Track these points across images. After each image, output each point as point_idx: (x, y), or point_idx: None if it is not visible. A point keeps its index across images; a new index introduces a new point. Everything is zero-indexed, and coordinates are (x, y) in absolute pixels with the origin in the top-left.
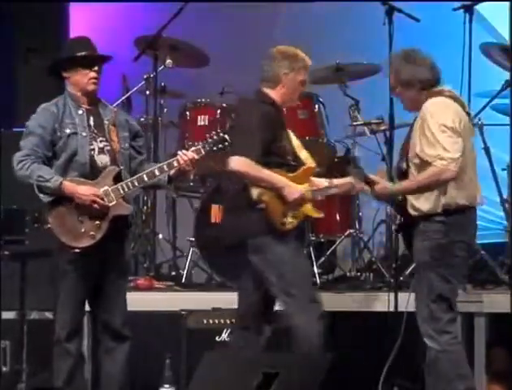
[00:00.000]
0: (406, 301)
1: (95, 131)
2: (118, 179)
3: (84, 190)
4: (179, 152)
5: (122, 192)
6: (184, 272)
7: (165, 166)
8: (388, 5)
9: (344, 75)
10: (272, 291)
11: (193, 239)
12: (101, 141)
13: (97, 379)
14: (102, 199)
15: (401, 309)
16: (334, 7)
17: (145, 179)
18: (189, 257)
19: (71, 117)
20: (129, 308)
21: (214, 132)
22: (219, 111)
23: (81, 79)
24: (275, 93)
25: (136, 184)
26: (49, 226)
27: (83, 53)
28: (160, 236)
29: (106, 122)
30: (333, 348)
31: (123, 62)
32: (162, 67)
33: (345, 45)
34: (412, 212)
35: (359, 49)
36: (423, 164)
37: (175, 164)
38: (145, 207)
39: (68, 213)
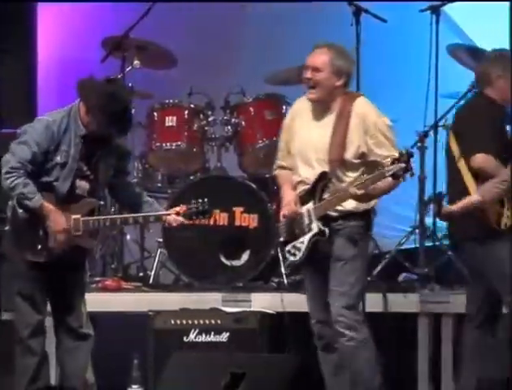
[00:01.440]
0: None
1: (85, 160)
2: (93, 211)
3: (58, 222)
4: (171, 217)
5: (91, 226)
6: (151, 273)
7: (146, 218)
8: (355, 6)
9: None
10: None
11: (161, 240)
12: (87, 169)
13: (63, 380)
14: (69, 231)
15: (368, 309)
16: (300, 7)
17: (118, 223)
18: (157, 258)
19: (68, 145)
20: (97, 308)
21: (200, 201)
22: (186, 112)
23: (94, 128)
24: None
25: (108, 224)
26: (9, 229)
27: (117, 123)
28: (128, 236)
29: (96, 157)
30: (306, 348)
31: (92, 63)
32: (130, 67)
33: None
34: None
35: None
36: (365, 164)
37: (162, 221)
38: (113, 208)
39: (33, 225)
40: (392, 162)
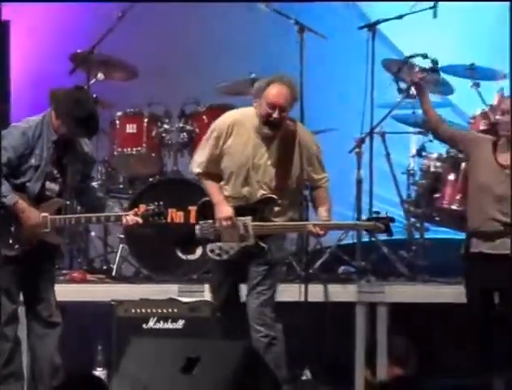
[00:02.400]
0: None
1: (55, 164)
2: (60, 210)
3: (30, 217)
4: (127, 217)
5: (58, 223)
6: (114, 266)
7: (107, 218)
8: (299, 24)
9: None
10: None
11: (123, 236)
12: (57, 172)
13: (33, 363)
14: (39, 226)
15: (310, 299)
16: (252, 22)
17: (82, 221)
18: (119, 253)
19: (41, 149)
20: (65, 298)
21: (156, 204)
22: (146, 120)
23: (64, 131)
24: None
25: (73, 222)
26: None
27: (84, 126)
28: (93, 233)
29: (66, 160)
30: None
31: (60, 75)
32: (94, 80)
33: (261, 60)
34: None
35: (273, 64)
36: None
37: (120, 222)
38: (78, 208)
39: (6, 222)
40: (369, 219)
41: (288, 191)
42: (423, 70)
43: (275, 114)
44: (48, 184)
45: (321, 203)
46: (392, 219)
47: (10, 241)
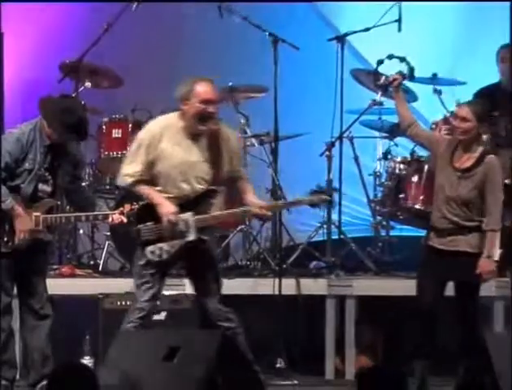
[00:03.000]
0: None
1: (47, 167)
2: (52, 209)
3: (23, 223)
4: (113, 216)
5: (49, 222)
6: (101, 261)
7: (95, 216)
8: (273, 36)
9: (238, 95)
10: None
11: (109, 233)
12: (49, 174)
13: (25, 352)
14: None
15: (283, 292)
16: (233, 32)
17: (72, 220)
18: (105, 249)
19: (34, 153)
20: (54, 292)
21: (140, 204)
22: (130, 125)
23: (55, 137)
24: None
25: (64, 221)
26: None
27: (74, 131)
28: (81, 231)
29: (57, 162)
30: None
31: (50, 83)
32: (82, 88)
33: (239, 69)
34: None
35: (249, 72)
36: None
37: (108, 221)
38: (68, 207)
39: (1, 220)
40: (313, 193)
41: (220, 183)
42: (401, 73)
43: (211, 109)
44: (40, 186)
45: (248, 191)
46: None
47: (5, 239)
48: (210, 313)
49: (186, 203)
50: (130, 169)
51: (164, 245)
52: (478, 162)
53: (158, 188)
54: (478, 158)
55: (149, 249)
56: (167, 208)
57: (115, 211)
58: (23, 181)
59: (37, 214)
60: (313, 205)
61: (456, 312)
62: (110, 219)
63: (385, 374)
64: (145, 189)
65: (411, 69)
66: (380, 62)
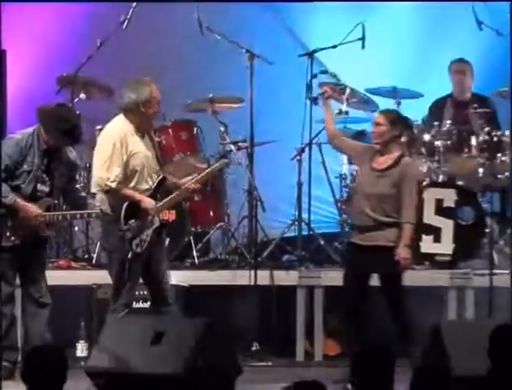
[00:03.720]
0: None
1: (45, 169)
2: (50, 208)
3: (29, 210)
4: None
5: (48, 219)
6: (94, 255)
7: (89, 214)
8: (249, 52)
9: (218, 105)
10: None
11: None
12: (46, 176)
13: (26, 337)
14: (39, 216)
15: (259, 282)
16: (210, 49)
17: (68, 217)
18: (99, 244)
19: (33, 156)
20: (52, 282)
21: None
22: None
23: (52, 142)
24: None
25: (60, 218)
26: None
27: (68, 136)
28: (76, 228)
29: (54, 165)
30: (209, 310)
31: (49, 94)
32: (78, 99)
33: (219, 81)
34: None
35: (228, 85)
36: None
37: (93, 216)
38: (64, 206)
39: (4, 219)
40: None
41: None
42: (332, 87)
43: (157, 109)
44: (39, 186)
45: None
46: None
47: (8, 234)
48: (161, 292)
49: (150, 194)
50: (111, 173)
51: (142, 236)
52: (396, 162)
53: (131, 185)
54: (395, 159)
55: (135, 242)
56: (149, 203)
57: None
58: (22, 182)
59: (39, 211)
60: (220, 169)
61: (383, 301)
62: (93, 216)
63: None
64: (125, 191)
65: (340, 84)
66: (314, 75)
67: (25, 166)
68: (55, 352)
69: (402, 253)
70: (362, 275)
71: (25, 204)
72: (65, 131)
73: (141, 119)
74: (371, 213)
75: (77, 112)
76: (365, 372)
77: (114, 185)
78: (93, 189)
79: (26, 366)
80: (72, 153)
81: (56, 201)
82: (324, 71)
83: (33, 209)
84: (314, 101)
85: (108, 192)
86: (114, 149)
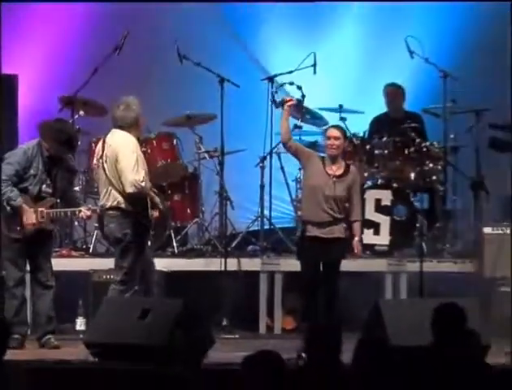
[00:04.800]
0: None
1: (48, 173)
2: (52, 206)
3: (29, 218)
4: (84, 210)
5: (51, 215)
6: (91, 245)
7: (76, 212)
8: (220, 76)
9: (194, 120)
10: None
11: (97, 224)
12: (49, 179)
13: (34, 314)
14: (37, 221)
15: (228, 268)
16: (187, 74)
17: (68, 214)
18: (94, 236)
19: (37, 163)
20: (56, 268)
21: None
22: None
23: (52, 151)
24: None
25: (62, 214)
26: (1, 220)
27: (66, 146)
28: (76, 223)
29: (55, 170)
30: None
31: (52, 112)
32: (77, 116)
33: (195, 100)
34: None
35: (202, 104)
36: None
37: (80, 215)
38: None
39: (14, 216)
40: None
41: None
42: (296, 98)
43: None
44: (43, 188)
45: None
46: None
47: (18, 228)
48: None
49: None
50: (140, 176)
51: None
52: (347, 169)
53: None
54: (345, 167)
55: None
56: (158, 199)
57: (83, 208)
58: (30, 184)
59: (42, 209)
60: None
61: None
62: (81, 214)
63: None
64: (148, 189)
65: (303, 96)
66: (281, 85)
67: (32, 171)
68: None
69: (357, 245)
70: (319, 263)
71: (26, 210)
72: (62, 141)
73: (137, 132)
74: (330, 211)
75: (77, 126)
76: (315, 344)
77: (143, 184)
78: (129, 190)
79: None
80: (72, 161)
81: (58, 200)
82: (291, 83)
83: (31, 216)
84: (275, 103)
85: (139, 191)
86: (137, 156)
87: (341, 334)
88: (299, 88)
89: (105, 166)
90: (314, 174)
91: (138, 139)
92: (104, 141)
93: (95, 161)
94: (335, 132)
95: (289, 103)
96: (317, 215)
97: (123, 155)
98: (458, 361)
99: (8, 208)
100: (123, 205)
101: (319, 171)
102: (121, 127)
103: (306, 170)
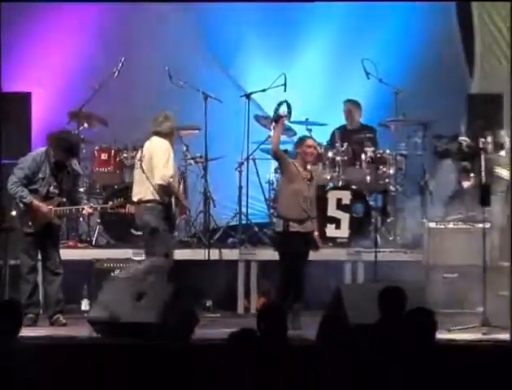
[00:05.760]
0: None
1: (55, 176)
2: (60, 204)
3: (41, 209)
4: (86, 208)
5: (58, 212)
6: (94, 238)
7: (80, 209)
8: (204, 93)
9: (181, 131)
10: None
11: (99, 220)
12: (56, 181)
13: (46, 297)
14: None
15: (211, 258)
16: (175, 91)
17: (73, 211)
18: (97, 230)
19: (45, 167)
20: (64, 258)
21: (116, 201)
22: (113, 151)
23: (57, 157)
24: None
25: (67, 212)
26: (16, 216)
27: (68, 152)
28: (81, 219)
29: (61, 174)
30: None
31: (61, 124)
32: (82, 127)
33: (183, 114)
34: None
35: (189, 117)
36: None
37: (83, 212)
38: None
39: (26, 213)
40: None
41: None
42: (286, 115)
43: None
44: (51, 189)
45: None
46: None
47: (30, 223)
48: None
49: None
50: (169, 171)
51: None
52: (312, 174)
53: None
54: (310, 172)
55: None
56: (181, 195)
57: (88, 205)
58: (39, 186)
59: (50, 207)
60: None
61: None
62: (85, 211)
63: (275, 308)
64: (175, 186)
65: (289, 113)
66: (279, 104)
67: (40, 175)
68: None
69: (319, 239)
70: (299, 253)
71: (39, 204)
72: (66, 149)
73: (172, 140)
74: (307, 210)
75: (81, 136)
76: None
77: (171, 180)
78: (158, 182)
79: None
80: (76, 166)
81: (64, 200)
82: (282, 102)
83: (45, 207)
84: (247, 97)
85: (167, 184)
86: (169, 156)
87: (286, 313)
88: (288, 106)
89: (143, 165)
90: (294, 178)
91: (172, 145)
92: (143, 147)
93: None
94: (312, 143)
95: (284, 119)
96: (299, 214)
97: (156, 153)
98: (403, 335)
99: (21, 205)
100: (157, 197)
101: (297, 176)
102: (158, 134)
103: (286, 174)
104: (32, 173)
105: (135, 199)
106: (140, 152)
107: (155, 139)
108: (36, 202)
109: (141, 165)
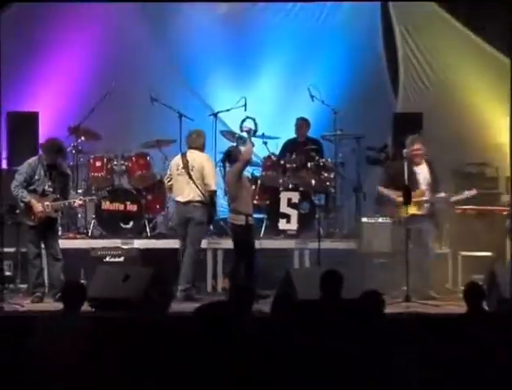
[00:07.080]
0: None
1: (49, 177)
2: (55, 199)
3: (37, 208)
4: (77, 201)
5: (55, 207)
6: (90, 230)
7: (72, 202)
8: (179, 113)
9: (161, 143)
10: None
11: (94, 216)
12: (50, 181)
13: (49, 279)
14: (44, 210)
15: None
16: (155, 111)
17: (66, 205)
18: (92, 223)
19: (40, 170)
20: (64, 247)
21: (106, 190)
22: (105, 160)
23: (49, 160)
24: None
25: (62, 206)
26: (19, 212)
27: (57, 154)
28: (79, 215)
29: (54, 173)
30: (156, 263)
31: (62, 138)
32: (79, 140)
33: (163, 129)
34: None
35: (168, 131)
36: None
37: (75, 205)
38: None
39: (28, 209)
40: None
41: None
42: (252, 128)
43: None
44: (46, 188)
45: None
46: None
47: (32, 218)
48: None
49: None
50: (215, 181)
51: None
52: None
53: None
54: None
55: None
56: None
57: (78, 198)
58: (37, 186)
59: (47, 203)
60: None
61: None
62: (75, 204)
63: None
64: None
65: (256, 126)
66: (244, 120)
67: (36, 177)
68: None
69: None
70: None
71: (34, 204)
72: (54, 152)
73: (203, 152)
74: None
75: (79, 148)
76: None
77: (216, 188)
78: (213, 188)
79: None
80: (67, 169)
81: (58, 196)
82: (247, 117)
83: (38, 207)
84: (215, 115)
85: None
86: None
87: (254, 292)
88: (254, 121)
89: (191, 173)
90: (248, 180)
91: None
92: (183, 157)
93: (175, 170)
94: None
95: (246, 130)
96: (250, 209)
97: (208, 165)
98: (342, 310)
99: (22, 204)
100: (203, 199)
101: (247, 178)
102: (195, 148)
103: (243, 177)
104: (30, 176)
105: (182, 200)
106: (180, 162)
107: (197, 153)
108: (33, 201)
109: (188, 172)
